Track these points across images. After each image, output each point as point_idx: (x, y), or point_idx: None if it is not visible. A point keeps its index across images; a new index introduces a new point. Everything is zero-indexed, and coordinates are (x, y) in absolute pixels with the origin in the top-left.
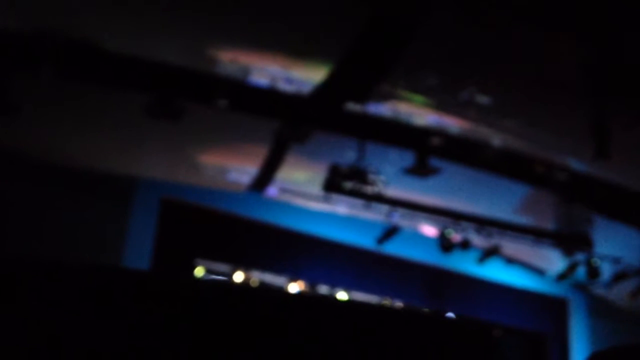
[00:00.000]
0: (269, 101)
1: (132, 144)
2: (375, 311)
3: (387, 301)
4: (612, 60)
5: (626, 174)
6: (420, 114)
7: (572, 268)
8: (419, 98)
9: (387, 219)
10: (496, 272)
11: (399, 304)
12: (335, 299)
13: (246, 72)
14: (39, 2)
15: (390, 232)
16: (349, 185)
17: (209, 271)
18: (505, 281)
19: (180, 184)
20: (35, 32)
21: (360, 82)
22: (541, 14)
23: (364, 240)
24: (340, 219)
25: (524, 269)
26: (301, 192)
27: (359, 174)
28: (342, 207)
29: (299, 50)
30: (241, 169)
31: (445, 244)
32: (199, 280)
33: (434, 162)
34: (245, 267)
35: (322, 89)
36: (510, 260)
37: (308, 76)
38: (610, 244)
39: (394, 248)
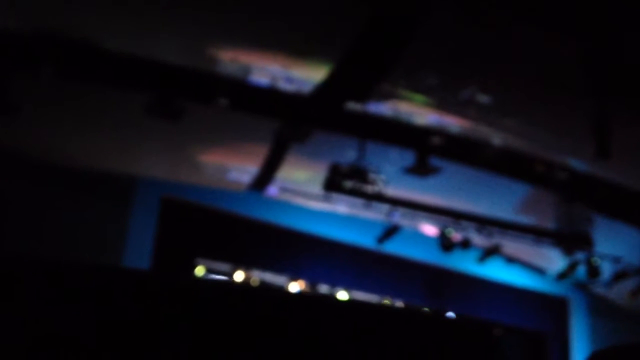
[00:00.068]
0: (270, 100)
1: (133, 144)
2: (376, 311)
3: (387, 300)
4: (612, 60)
5: (626, 174)
6: (420, 114)
7: (572, 267)
8: (419, 97)
9: (388, 218)
10: (496, 271)
11: (399, 303)
12: (335, 298)
13: (246, 71)
14: (39, 2)
15: (390, 231)
16: (349, 184)
17: (209, 270)
18: (505, 280)
19: (180, 183)
20: (35, 32)
21: (361, 82)
22: (541, 14)
23: (365, 239)
24: (341, 218)
25: (524, 268)
26: (301, 191)
27: (360, 173)
28: (342, 206)
29: (299, 49)
30: (241, 168)
31: (445, 243)
32: (199, 280)
33: (435, 161)
34: (246, 266)
35: (323, 89)
36: (511, 260)
37: (308, 75)
38: (610, 243)
39: (395, 247)
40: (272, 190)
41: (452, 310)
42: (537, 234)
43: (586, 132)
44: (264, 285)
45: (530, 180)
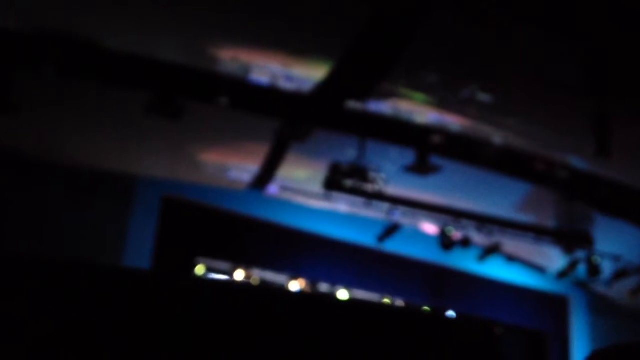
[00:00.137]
0: (270, 99)
1: (133, 143)
2: (376, 310)
3: (387, 299)
4: (612, 59)
5: (627, 172)
6: (421, 112)
7: (572, 266)
8: (419, 96)
9: (388, 217)
10: (497, 269)
11: (399, 302)
12: (335, 297)
13: (247, 70)
14: (39, 1)
15: (390, 230)
16: (349, 183)
17: (209, 269)
18: (505, 279)
19: (181, 182)
20: (36, 31)
21: (361, 80)
22: (541, 14)
23: (365, 238)
24: (341, 217)
25: (524, 267)
26: (302, 190)
27: (360, 172)
28: (342, 205)
29: (299, 48)
30: (242, 167)
31: (445, 242)
32: (199, 280)
33: (435, 160)
34: (246, 265)
35: (323, 87)
36: (511, 258)
37: (309, 74)
38: (610, 241)
39: (395, 246)
40: (273, 189)
41: (452, 308)
42: (537, 233)
43: (586, 131)
44: (264, 285)
45: (530, 178)
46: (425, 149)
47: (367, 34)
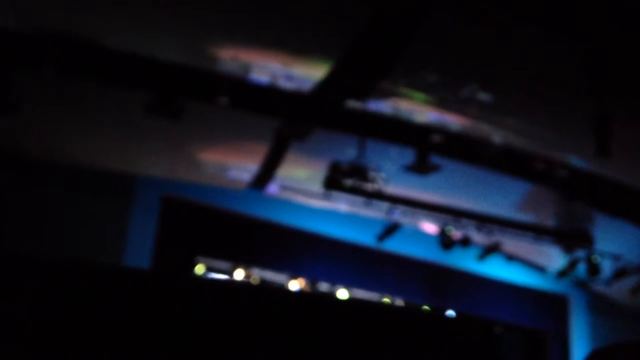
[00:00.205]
0: (270, 99)
1: (133, 142)
2: (376, 309)
3: (387, 298)
4: (612, 59)
5: (626, 172)
6: (420, 111)
7: (572, 265)
8: (419, 95)
9: (388, 216)
10: (496, 269)
11: (399, 301)
12: (335, 297)
13: (247, 69)
14: (39, 1)
15: (390, 229)
16: (349, 182)
17: (209, 268)
18: (505, 278)
19: (180, 181)
20: (36, 31)
21: (361, 80)
22: (541, 14)
23: (365, 237)
24: (341, 217)
25: (524, 266)
26: (302, 189)
27: (360, 172)
28: (342, 204)
29: (299, 47)
30: (242, 167)
31: (445, 241)
32: (199, 279)
33: (435, 159)
34: (246, 264)
35: (323, 87)
36: (511, 258)
37: (309, 73)
38: (610, 240)
39: (395, 245)
40: (272, 188)
41: (452, 308)
42: (537, 232)
43: (586, 130)
44: (264, 284)
45: (530, 178)
46: (425, 149)
47: (367, 33)
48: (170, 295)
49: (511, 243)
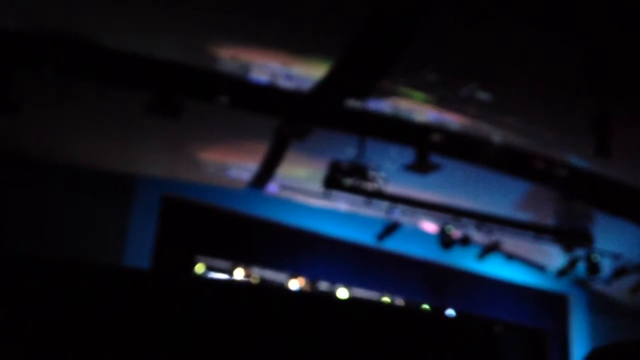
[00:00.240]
0: (269, 98)
1: (133, 142)
2: (376, 309)
3: (387, 297)
4: (612, 59)
5: (626, 171)
6: (420, 111)
7: (572, 264)
8: (419, 95)
9: (388, 216)
10: (496, 268)
11: (399, 300)
12: (335, 297)
13: (246, 69)
14: (38, 1)
15: (390, 228)
16: (349, 181)
17: (209, 268)
18: (505, 277)
19: (180, 181)
20: (35, 31)
21: (361, 79)
22: (541, 14)
23: (364, 236)
24: (341, 216)
25: (524, 265)
26: (301, 188)
27: (359, 171)
28: (342, 203)
29: (299, 47)
30: (241, 166)
31: (445, 240)
32: (199, 279)
33: (434, 158)
34: (246, 263)
35: (323, 86)
36: (511, 256)
37: (308, 73)
38: (610, 239)
39: (394, 244)
40: (272, 187)
41: (452, 307)
42: (537, 231)
43: (586, 129)
44: (265, 284)
45: (530, 177)
46: (425, 148)
47: (366, 32)
48: (170, 295)
49: (511, 242)
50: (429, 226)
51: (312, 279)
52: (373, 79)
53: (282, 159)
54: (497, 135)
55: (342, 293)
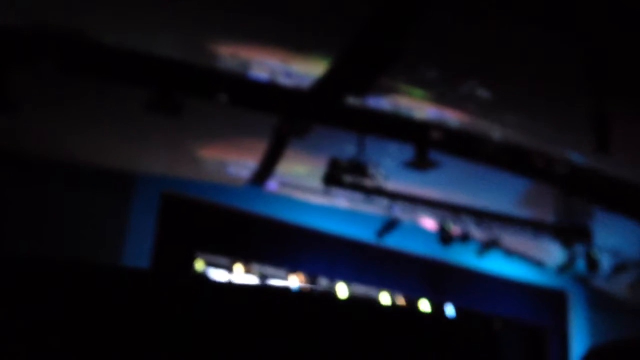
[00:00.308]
0: (269, 95)
1: (132, 139)
2: (376, 309)
3: (387, 294)
4: (612, 59)
5: (626, 167)
6: (420, 108)
7: (571, 260)
8: (418, 92)
9: (387, 212)
10: (496, 264)
11: (398, 296)
12: (335, 296)
13: (246, 66)
14: None
15: (390, 225)
16: (348, 178)
17: (209, 264)
18: (505, 274)
19: (180, 178)
20: (34, 28)
21: (360, 76)
22: (541, 14)
23: (364, 233)
24: (340, 213)
25: (523, 262)
26: (301, 185)
27: (359, 168)
28: (342, 200)
29: (298, 44)
30: (241, 163)
31: (445, 237)
32: (199, 279)
33: (434, 155)
34: (246, 260)
35: (322, 83)
36: (510, 253)
37: (308, 70)
38: (609, 236)
39: (394, 241)
40: (272, 184)
41: (452, 303)
42: (536, 227)
43: (586, 126)
44: (264, 284)
45: (529, 174)
46: (425, 145)
47: (366, 30)
48: (170, 295)
49: (510, 238)
50: (429, 223)
51: (312, 276)
52: (372, 77)
53: (282, 156)
54: (496, 132)
55: (342, 289)
